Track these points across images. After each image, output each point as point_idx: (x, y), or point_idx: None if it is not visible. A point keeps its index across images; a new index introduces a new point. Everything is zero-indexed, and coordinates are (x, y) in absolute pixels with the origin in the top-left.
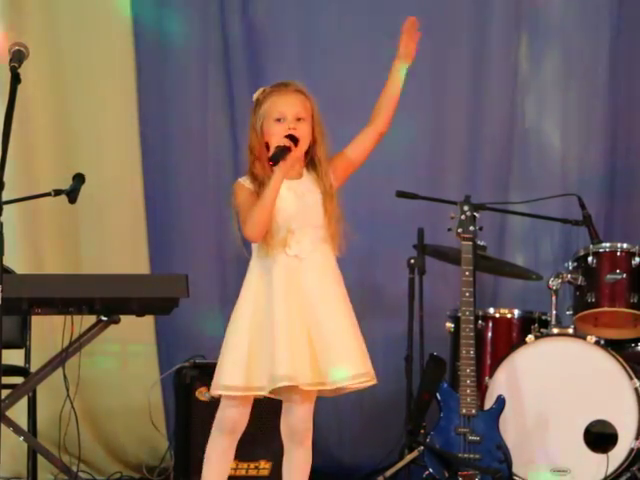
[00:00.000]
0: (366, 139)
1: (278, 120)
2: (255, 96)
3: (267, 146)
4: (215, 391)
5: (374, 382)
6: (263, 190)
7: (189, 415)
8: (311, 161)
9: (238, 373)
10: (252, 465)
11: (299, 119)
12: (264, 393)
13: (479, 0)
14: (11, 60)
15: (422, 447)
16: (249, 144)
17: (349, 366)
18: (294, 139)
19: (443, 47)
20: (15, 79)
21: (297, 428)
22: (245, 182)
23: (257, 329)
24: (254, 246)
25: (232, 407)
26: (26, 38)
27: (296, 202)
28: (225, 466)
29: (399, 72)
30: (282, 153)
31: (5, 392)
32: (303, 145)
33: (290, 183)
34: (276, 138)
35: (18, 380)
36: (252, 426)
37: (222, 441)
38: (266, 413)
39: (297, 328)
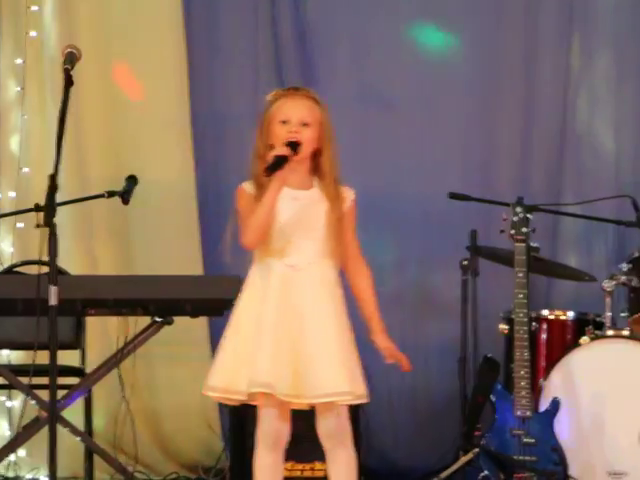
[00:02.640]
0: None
1: (283, 122)
2: (267, 97)
3: (271, 148)
4: (203, 391)
5: (362, 401)
6: (262, 193)
7: (244, 416)
8: (317, 172)
9: (221, 375)
10: (307, 466)
11: (304, 124)
12: (242, 398)
13: (531, 0)
14: (64, 62)
15: (477, 449)
16: (254, 145)
17: (328, 383)
18: (294, 146)
19: (495, 48)
20: (68, 81)
21: (331, 432)
22: (247, 187)
23: (246, 334)
24: (255, 252)
25: (268, 420)
26: (79, 40)
27: (299, 212)
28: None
29: (370, 325)
30: (278, 163)
31: (61, 392)
32: (304, 150)
33: (297, 193)
34: (279, 140)
35: (74, 380)
36: (306, 427)
37: (267, 456)
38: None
39: (283, 338)
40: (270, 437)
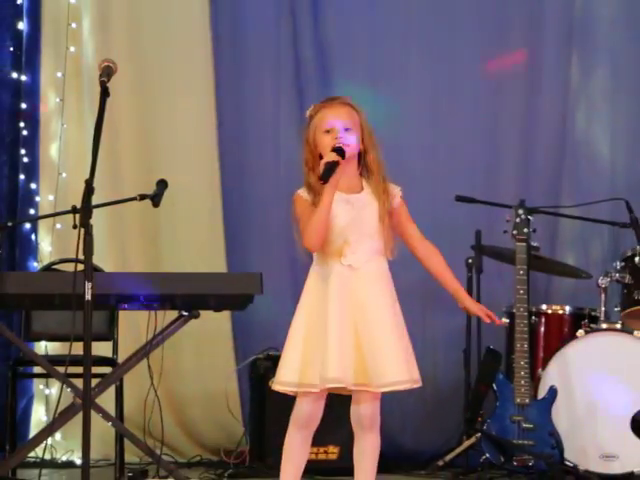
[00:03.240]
0: (411, 245)
1: (327, 132)
2: (307, 113)
3: (320, 157)
4: (274, 386)
5: (417, 385)
6: (318, 199)
7: (263, 403)
8: (365, 171)
9: (292, 371)
10: (321, 449)
11: (347, 129)
12: (315, 390)
13: (533, 18)
14: (101, 75)
15: (479, 434)
16: (304, 157)
17: (392, 372)
18: (341, 151)
19: (499, 61)
20: (104, 93)
21: (364, 417)
22: (303, 193)
23: (312, 332)
24: (315, 254)
25: (306, 403)
26: (114, 55)
27: (353, 215)
28: (302, 458)
29: (457, 296)
30: (330, 169)
31: (95, 381)
32: (350, 154)
33: (350, 197)
34: (326, 149)
35: (107, 370)
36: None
37: (298, 435)
38: (334, 401)
39: (347, 334)
40: (304, 418)
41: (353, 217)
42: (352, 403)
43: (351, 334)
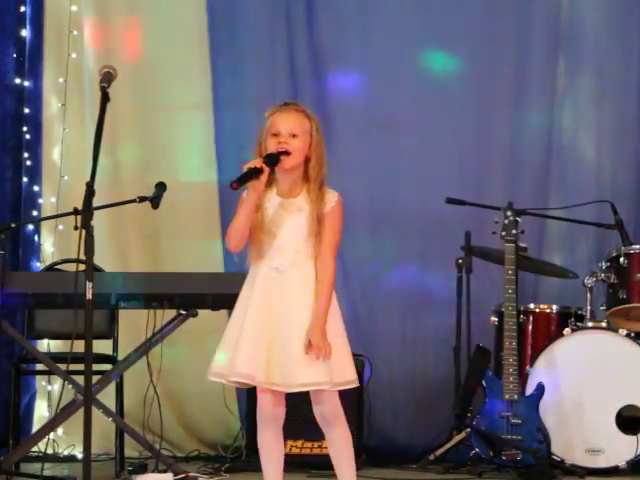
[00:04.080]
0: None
1: (274, 135)
2: (266, 114)
3: None
4: (208, 376)
5: (342, 387)
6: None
7: None
8: (306, 179)
9: (217, 363)
10: (316, 444)
11: (293, 135)
12: (223, 380)
13: (521, 23)
14: (101, 81)
15: (469, 429)
16: (253, 155)
17: (302, 374)
18: (273, 160)
19: (488, 66)
20: (105, 98)
21: (326, 414)
22: (245, 195)
23: (233, 329)
24: (250, 255)
25: (264, 401)
26: (114, 62)
27: (284, 218)
28: (278, 454)
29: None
30: (248, 175)
31: (95, 378)
32: (294, 160)
33: (284, 201)
34: (269, 151)
35: (107, 367)
36: None
37: (266, 433)
38: None
39: (262, 332)
40: (266, 417)
41: (284, 221)
42: (312, 403)
43: (265, 333)
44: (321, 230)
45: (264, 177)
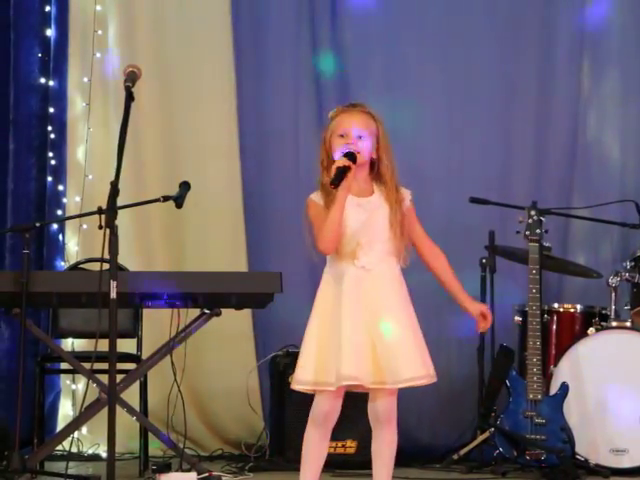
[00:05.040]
0: (418, 245)
1: (341, 136)
2: (330, 114)
3: (334, 160)
4: (293, 385)
5: (433, 380)
6: (330, 200)
7: (283, 398)
8: (378, 178)
9: (309, 371)
10: (339, 444)
11: (360, 137)
12: (332, 389)
13: (546, 23)
14: (126, 80)
15: (493, 429)
16: (320, 157)
17: (407, 369)
18: (352, 156)
19: (513, 66)
20: (129, 97)
21: (381, 413)
22: (316, 197)
23: (326, 332)
24: (328, 256)
25: (324, 401)
26: (139, 61)
27: (365, 218)
28: (321, 454)
29: (458, 298)
30: (341, 174)
31: (119, 377)
32: (361, 159)
33: (361, 200)
34: (337, 152)
35: (131, 366)
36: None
37: (316, 432)
38: (352, 396)
39: (362, 333)
40: (322, 416)
41: (365, 220)
42: (369, 400)
43: (365, 333)
44: (409, 227)
45: (352, 175)
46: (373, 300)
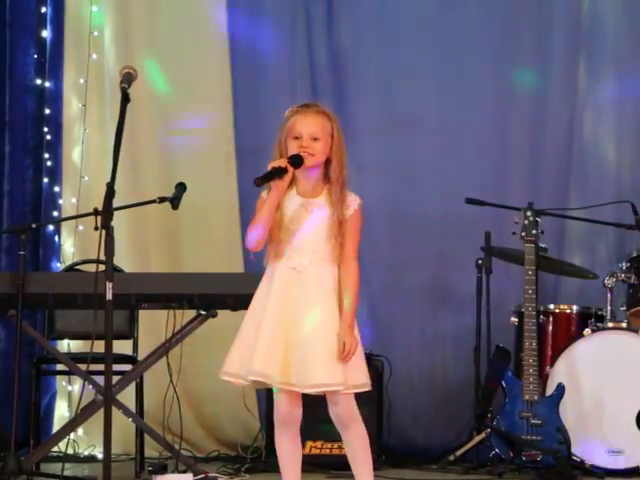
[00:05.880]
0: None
1: (295, 138)
2: (285, 113)
3: None
4: (220, 375)
5: (356, 390)
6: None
7: None
8: (326, 180)
9: (231, 362)
10: (335, 445)
11: (315, 139)
12: (242, 382)
13: (542, 24)
14: (122, 81)
15: (489, 429)
16: (274, 157)
17: (316, 375)
18: (297, 160)
19: (508, 66)
20: (125, 99)
21: (341, 415)
22: (264, 195)
23: (250, 328)
24: (267, 254)
25: (281, 403)
26: (134, 63)
27: (304, 218)
28: (296, 454)
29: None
30: (272, 174)
31: (115, 378)
32: (314, 161)
33: (305, 201)
34: (291, 153)
35: (127, 367)
36: None
37: (283, 433)
38: None
39: (278, 332)
40: (282, 420)
41: (304, 220)
42: (328, 406)
43: (281, 333)
44: (342, 233)
45: (288, 177)
46: (298, 302)
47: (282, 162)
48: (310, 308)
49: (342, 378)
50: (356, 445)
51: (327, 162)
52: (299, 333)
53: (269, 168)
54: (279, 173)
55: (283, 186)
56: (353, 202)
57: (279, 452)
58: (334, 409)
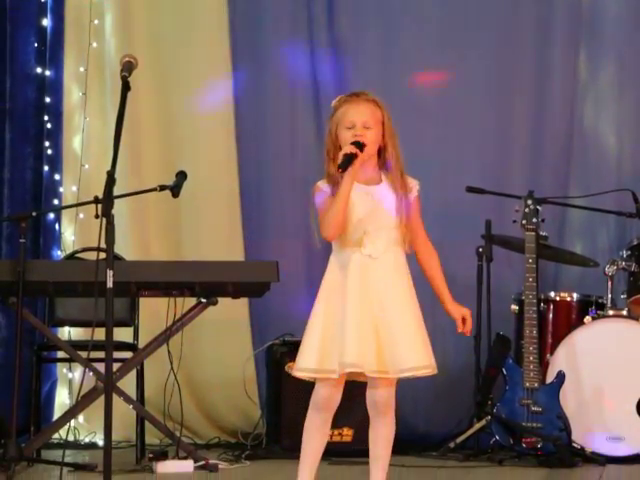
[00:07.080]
0: (413, 238)
1: (348, 128)
2: (333, 103)
3: (341, 149)
4: (294, 372)
5: (434, 372)
6: (337, 189)
7: (279, 387)
8: (384, 166)
9: (311, 358)
10: (336, 432)
11: (367, 127)
12: (335, 376)
13: (543, 12)
14: (122, 70)
15: (489, 417)
16: (326, 147)
17: (410, 358)
18: (360, 145)
19: (509, 53)
20: (125, 87)
21: (379, 402)
22: (322, 185)
23: (330, 320)
24: (334, 243)
25: (325, 387)
26: (135, 51)
27: (372, 206)
28: (321, 440)
29: (442, 299)
30: (348, 160)
31: (116, 365)
32: (369, 150)
33: (369, 188)
34: (346, 144)
35: (128, 355)
36: None
37: (317, 418)
38: (349, 384)
39: (366, 321)
40: (323, 402)
41: (372, 208)
42: (368, 388)
43: (369, 322)
44: (410, 217)
45: (358, 162)
46: (378, 289)
47: (351, 148)
48: (391, 293)
49: (432, 360)
50: (383, 436)
51: (379, 150)
52: (385, 319)
53: (342, 155)
54: (352, 159)
55: (356, 173)
56: (413, 185)
57: (308, 433)
58: (374, 393)
